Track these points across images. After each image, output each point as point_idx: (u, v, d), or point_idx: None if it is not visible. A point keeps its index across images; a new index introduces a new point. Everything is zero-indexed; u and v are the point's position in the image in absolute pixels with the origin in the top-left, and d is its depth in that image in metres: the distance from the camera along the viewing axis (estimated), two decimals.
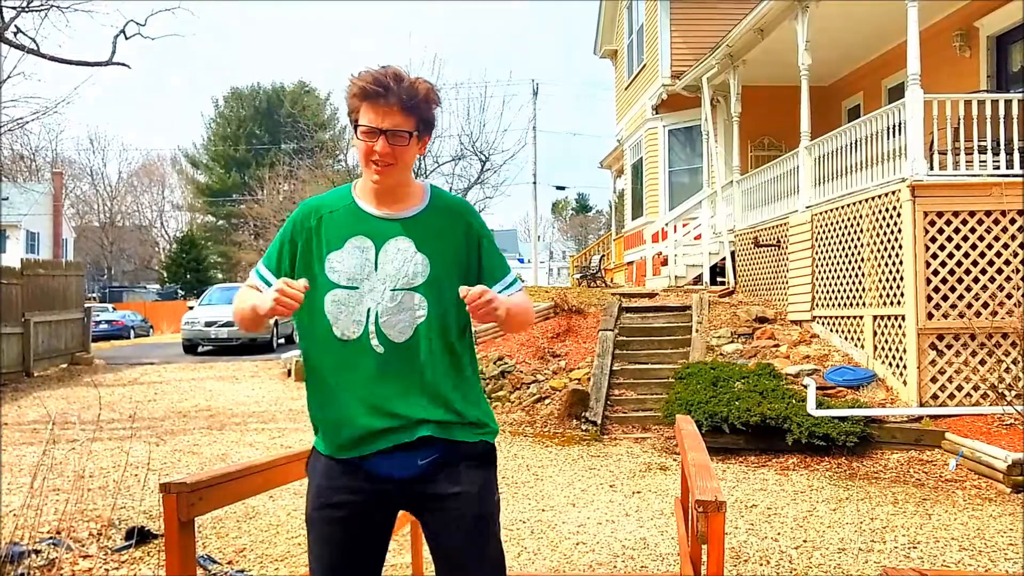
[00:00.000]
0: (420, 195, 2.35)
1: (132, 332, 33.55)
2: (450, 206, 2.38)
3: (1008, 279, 8.74)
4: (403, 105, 2.19)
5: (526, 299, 2.45)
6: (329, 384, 2.29)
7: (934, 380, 8.72)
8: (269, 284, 2.31)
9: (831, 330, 10.78)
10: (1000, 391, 8.35)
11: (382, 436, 2.24)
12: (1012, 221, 8.79)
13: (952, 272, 8.79)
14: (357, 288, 2.25)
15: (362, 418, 2.24)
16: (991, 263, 8.78)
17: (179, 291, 50.62)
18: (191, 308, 23.99)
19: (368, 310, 2.24)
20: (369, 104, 2.20)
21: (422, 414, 2.24)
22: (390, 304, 2.24)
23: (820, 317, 11.11)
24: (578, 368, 11.05)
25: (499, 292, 2.32)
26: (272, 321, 20.72)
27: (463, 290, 2.16)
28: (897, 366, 9.16)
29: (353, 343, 2.24)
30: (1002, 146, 9.15)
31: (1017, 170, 8.99)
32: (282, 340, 22.19)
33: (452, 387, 2.30)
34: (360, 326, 2.24)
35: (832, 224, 10.76)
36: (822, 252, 11.07)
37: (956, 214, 8.84)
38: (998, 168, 9.11)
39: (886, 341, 9.42)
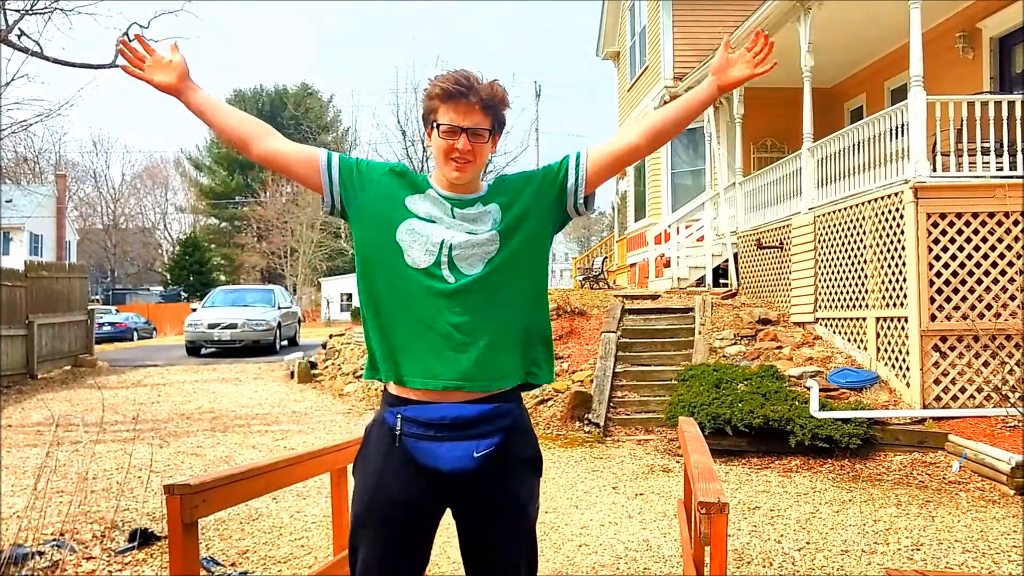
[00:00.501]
0: (483, 188, 2.45)
1: (135, 334, 33.61)
2: (504, 179, 2.49)
3: (1011, 281, 8.74)
4: (483, 104, 2.31)
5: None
6: (396, 311, 2.31)
7: (937, 382, 8.72)
8: (331, 162, 2.43)
9: (834, 332, 10.77)
10: (1003, 393, 8.35)
11: (448, 364, 2.26)
12: (1015, 223, 8.79)
13: (955, 274, 8.78)
14: (434, 222, 2.33)
15: (429, 340, 2.27)
16: (994, 265, 8.77)
17: (182, 293, 50.69)
18: (194, 310, 24.03)
19: (442, 241, 2.30)
20: (451, 104, 2.30)
21: (487, 345, 2.28)
22: (463, 238, 2.31)
23: (823, 319, 11.10)
24: (581, 370, 11.05)
25: (575, 166, 2.43)
26: (275, 323, 20.79)
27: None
28: (900, 368, 9.15)
29: (423, 271, 2.29)
30: (1005, 147, 9.14)
31: (1020, 171, 8.98)
32: (285, 342, 22.20)
33: (519, 326, 2.35)
34: (432, 256, 2.29)
35: (835, 226, 10.75)
36: (825, 254, 11.06)
37: (959, 215, 8.84)
38: (1001, 169, 9.11)
39: (889, 343, 9.42)
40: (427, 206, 2.36)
